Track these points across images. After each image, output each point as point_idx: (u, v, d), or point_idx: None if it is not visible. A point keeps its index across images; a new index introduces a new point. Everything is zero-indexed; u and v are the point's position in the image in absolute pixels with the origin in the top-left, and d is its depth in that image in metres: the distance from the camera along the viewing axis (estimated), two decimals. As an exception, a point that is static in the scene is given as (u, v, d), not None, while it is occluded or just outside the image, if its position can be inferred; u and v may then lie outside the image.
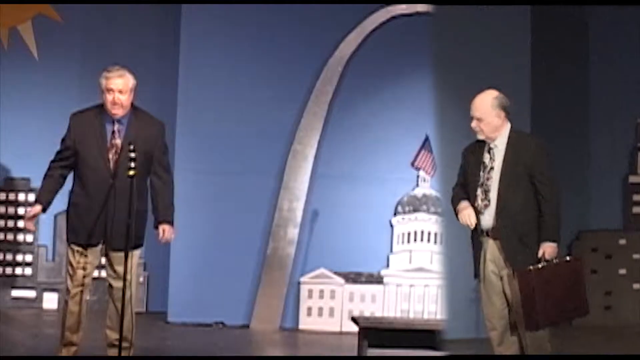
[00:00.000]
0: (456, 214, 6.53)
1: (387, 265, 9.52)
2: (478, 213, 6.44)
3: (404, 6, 9.61)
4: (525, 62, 9.39)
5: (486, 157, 6.48)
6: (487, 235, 6.43)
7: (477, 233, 6.47)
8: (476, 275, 6.52)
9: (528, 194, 6.39)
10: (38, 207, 6.74)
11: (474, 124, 6.47)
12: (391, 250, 9.53)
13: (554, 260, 6.34)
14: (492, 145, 6.48)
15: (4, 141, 10.03)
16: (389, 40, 9.58)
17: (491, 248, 6.43)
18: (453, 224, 6.84)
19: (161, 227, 6.79)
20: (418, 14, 9.53)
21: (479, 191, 6.46)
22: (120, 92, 6.61)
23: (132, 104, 6.74)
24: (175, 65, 9.68)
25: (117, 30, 10.21)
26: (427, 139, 9.54)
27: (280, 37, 9.62)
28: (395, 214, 9.54)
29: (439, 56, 9.18)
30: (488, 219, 6.42)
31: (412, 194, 9.57)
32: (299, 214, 9.53)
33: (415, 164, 9.57)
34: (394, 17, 9.60)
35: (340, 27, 9.59)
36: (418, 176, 9.58)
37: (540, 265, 6.28)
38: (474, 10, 9.22)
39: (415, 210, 9.53)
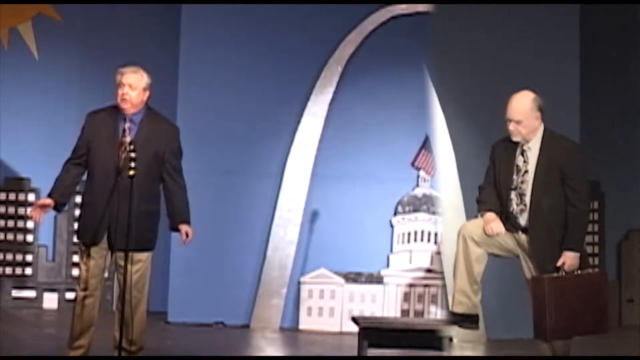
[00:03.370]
0: (481, 214, 6.55)
1: (387, 265, 9.47)
2: (514, 218, 6.44)
3: (404, 6, 9.57)
4: (574, 59, 9.42)
5: (520, 160, 6.46)
6: (521, 231, 6.45)
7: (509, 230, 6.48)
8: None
9: (560, 196, 6.36)
10: (48, 200, 6.63)
11: (511, 127, 6.38)
12: (391, 250, 9.49)
13: (577, 272, 6.29)
14: (525, 148, 6.45)
15: (4, 141, 10.01)
16: (389, 40, 9.54)
17: (523, 242, 6.46)
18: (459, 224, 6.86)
19: (184, 229, 6.72)
20: (418, 14, 9.51)
21: (513, 195, 6.46)
22: (130, 86, 6.59)
23: (147, 105, 6.71)
24: (176, 65, 9.64)
25: (117, 30, 10.20)
26: (427, 139, 9.49)
27: (280, 37, 9.58)
28: (395, 214, 9.50)
29: (439, 56, 9.20)
30: (523, 222, 6.44)
31: (412, 194, 9.53)
32: (299, 214, 9.48)
33: (416, 163, 9.52)
34: (394, 17, 9.57)
35: (340, 27, 9.55)
36: (418, 176, 9.53)
37: (555, 275, 6.22)
38: (474, 10, 9.25)
39: (416, 210, 9.48)
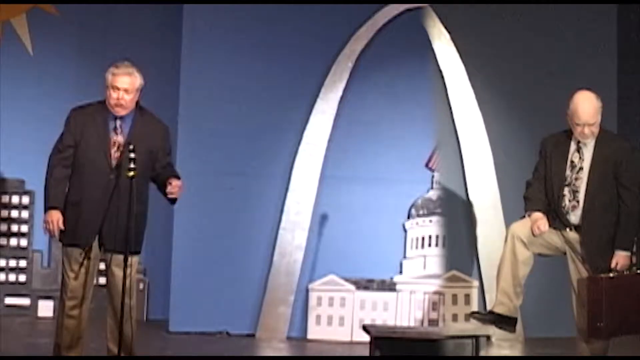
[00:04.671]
0: (528, 213, 6.74)
1: (400, 272, 9.34)
2: (564, 214, 6.63)
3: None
4: (612, 57, 9.53)
5: (575, 156, 6.68)
6: (570, 228, 6.64)
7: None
8: None
9: (613, 194, 6.59)
10: (59, 214, 6.48)
11: (586, 130, 6.59)
12: (404, 256, 9.36)
13: (625, 272, 6.52)
14: (580, 144, 6.69)
15: (-4, 141, 9.93)
16: (403, 34, 9.42)
17: (572, 234, 6.64)
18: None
19: (170, 180, 6.55)
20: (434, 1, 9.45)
21: (566, 191, 6.66)
22: (126, 91, 6.48)
23: (137, 103, 6.63)
24: (177, 61, 9.48)
25: (116, 25, 10.02)
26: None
27: (287, 33, 9.43)
28: (408, 218, 9.37)
29: (472, 55, 9.35)
30: (574, 219, 6.64)
31: (427, 197, 9.41)
32: (307, 218, 9.32)
33: (430, 164, 9.41)
34: (408, 10, 9.43)
35: (351, 21, 9.40)
36: (432, 177, 9.41)
37: (611, 275, 6.45)
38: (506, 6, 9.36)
39: (430, 213, 9.36)
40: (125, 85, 6.46)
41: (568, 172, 6.64)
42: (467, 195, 9.31)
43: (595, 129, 6.59)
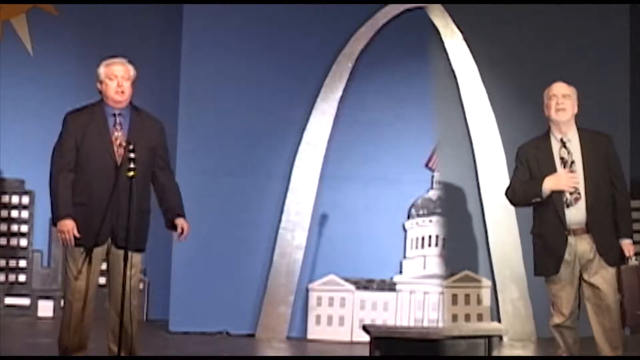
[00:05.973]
0: (532, 201, 6.65)
1: (400, 272, 9.27)
2: (563, 209, 6.58)
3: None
4: (625, 60, 9.52)
5: (563, 152, 6.68)
6: (574, 232, 6.59)
7: (557, 230, 6.60)
8: (546, 274, 6.71)
9: (608, 184, 6.63)
10: (72, 223, 6.42)
11: (560, 100, 6.64)
12: (404, 256, 9.29)
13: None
14: (565, 140, 6.66)
15: (-4, 141, 9.85)
16: (403, 34, 9.35)
17: (578, 244, 6.60)
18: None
19: (179, 223, 6.60)
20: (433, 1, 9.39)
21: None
22: (124, 78, 6.52)
23: (130, 102, 6.64)
24: (177, 61, 9.44)
25: (116, 25, 9.99)
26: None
27: (287, 33, 9.38)
28: (408, 218, 9.31)
29: (483, 54, 9.35)
30: (576, 213, 6.59)
31: (427, 197, 9.34)
32: (307, 218, 9.26)
33: (429, 164, 9.34)
34: (408, 10, 9.37)
35: (351, 21, 9.34)
36: (432, 177, 9.34)
37: (637, 262, 6.57)
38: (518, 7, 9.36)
39: (430, 213, 9.29)
40: (122, 72, 6.51)
41: (560, 169, 6.63)
42: (479, 194, 9.25)
43: (571, 108, 6.64)
